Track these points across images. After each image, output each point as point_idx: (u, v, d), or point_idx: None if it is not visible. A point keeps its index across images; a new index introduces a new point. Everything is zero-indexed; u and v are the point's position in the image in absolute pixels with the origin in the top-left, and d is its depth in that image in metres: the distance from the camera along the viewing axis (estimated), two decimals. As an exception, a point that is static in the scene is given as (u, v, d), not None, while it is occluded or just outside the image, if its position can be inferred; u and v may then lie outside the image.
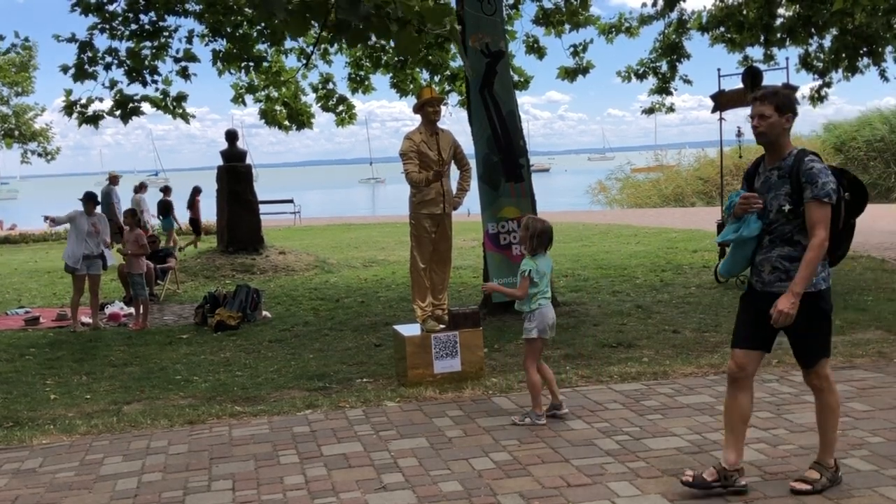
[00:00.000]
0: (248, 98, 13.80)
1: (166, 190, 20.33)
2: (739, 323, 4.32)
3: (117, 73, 10.65)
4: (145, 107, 11.17)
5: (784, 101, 4.05)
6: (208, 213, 20.19)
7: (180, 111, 11.36)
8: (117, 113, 10.68)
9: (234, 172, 16.69)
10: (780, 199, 4.07)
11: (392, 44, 14.12)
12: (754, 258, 4.24)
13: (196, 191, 20.65)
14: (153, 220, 20.11)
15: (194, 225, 20.56)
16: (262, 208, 18.60)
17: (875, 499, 4.15)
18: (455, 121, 36.74)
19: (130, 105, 10.64)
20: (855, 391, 6.03)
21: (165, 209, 19.98)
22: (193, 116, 11.74)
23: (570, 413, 5.70)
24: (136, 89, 10.69)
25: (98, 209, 11.12)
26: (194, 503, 4.56)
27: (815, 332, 4.16)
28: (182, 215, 20.86)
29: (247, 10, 11.28)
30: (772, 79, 13.84)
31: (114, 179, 18.96)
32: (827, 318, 4.18)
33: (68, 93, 10.89)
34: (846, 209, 4.15)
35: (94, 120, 10.82)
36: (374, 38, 13.74)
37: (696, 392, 6.23)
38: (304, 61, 13.63)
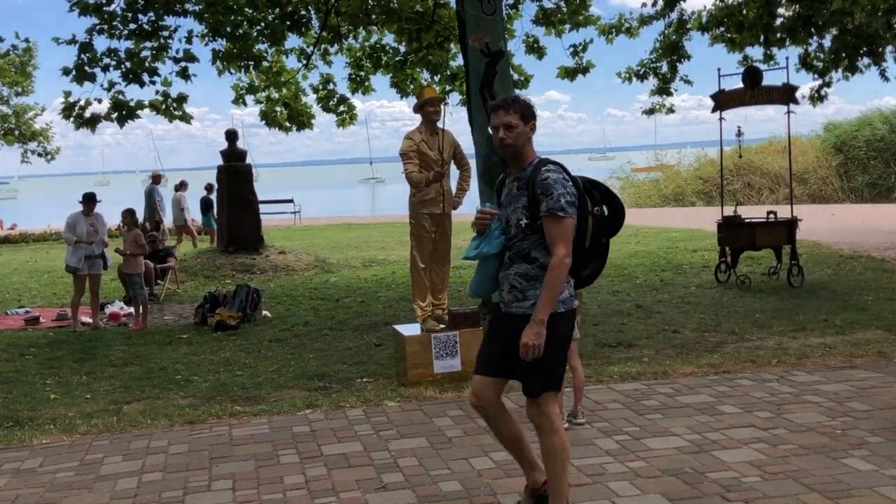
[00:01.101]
0: (249, 98, 13.81)
1: (210, 188, 20.38)
2: (482, 345, 4.03)
3: (115, 75, 10.65)
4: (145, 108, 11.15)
5: (527, 108, 3.80)
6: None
7: (180, 112, 11.35)
8: (114, 116, 10.67)
9: (234, 172, 16.68)
10: (517, 213, 3.76)
11: (392, 43, 14.11)
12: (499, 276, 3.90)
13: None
14: (197, 218, 20.13)
15: None
16: (262, 208, 18.59)
17: (875, 499, 4.15)
18: (455, 120, 36.76)
19: (126, 109, 10.63)
20: (855, 391, 6.04)
21: (206, 207, 20.03)
22: (192, 117, 11.73)
23: (585, 423, 5.57)
24: (133, 91, 10.71)
25: (96, 209, 11.09)
26: (194, 503, 4.56)
27: (542, 359, 3.69)
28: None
29: (247, 9, 11.28)
30: (772, 78, 13.83)
31: (156, 178, 19.04)
32: (559, 345, 3.76)
33: (67, 94, 10.88)
34: (598, 226, 3.87)
35: (92, 122, 10.81)
36: (375, 38, 13.81)
37: (696, 392, 6.23)
38: (305, 62, 13.63)
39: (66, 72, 10.37)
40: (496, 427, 3.98)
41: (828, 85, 15.27)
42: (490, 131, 3.54)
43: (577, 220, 3.72)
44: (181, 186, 19.71)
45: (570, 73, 14.06)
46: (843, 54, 14.16)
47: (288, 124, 14.32)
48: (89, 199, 10.96)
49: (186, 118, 11.45)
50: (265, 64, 12.83)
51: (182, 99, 11.27)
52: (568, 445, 3.86)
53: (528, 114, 3.80)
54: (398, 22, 11.93)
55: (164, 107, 11.23)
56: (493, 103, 3.86)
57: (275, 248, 17.02)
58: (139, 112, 10.78)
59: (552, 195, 3.64)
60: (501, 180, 4.01)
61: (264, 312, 10.95)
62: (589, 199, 3.86)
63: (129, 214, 11.50)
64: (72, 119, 10.80)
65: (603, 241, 3.94)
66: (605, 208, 3.92)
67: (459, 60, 12.81)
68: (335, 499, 4.49)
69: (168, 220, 19.40)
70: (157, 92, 11.06)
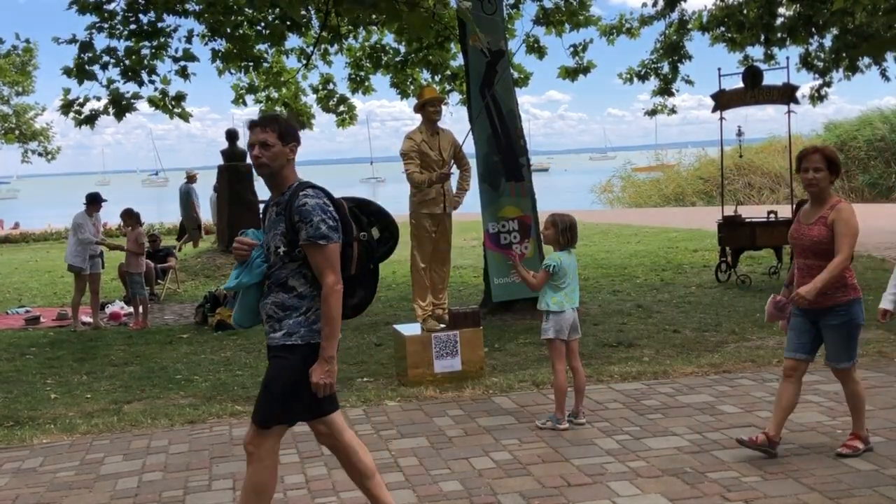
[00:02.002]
0: (249, 98, 13.80)
1: None
2: None
3: (114, 73, 10.65)
4: (144, 105, 11.15)
5: (287, 128, 3.60)
6: (210, 212, 20.16)
7: (179, 110, 11.34)
8: (111, 110, 10.68)
9: (235, 172, 16.68)
10: (276, 240, 3.56)
11: (392, 43, 14.09)
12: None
13: None
14: None
15: None
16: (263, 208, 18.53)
17: (875, 498, 4.15)
18: (455, 120, 36.73)
19: (124, 102, 10.63)
20: (855, 391, 6.03)
21: None
22: (192, 115, 11.72)
23: (586, 423, 5.57)
24: (131, 88, 10.69)
25: (100, 211, 11.07)
26: (195, 502, 4.56)
27: (276, 387, 3.55)
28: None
29: (247, 9, 11.27)
30: (772, 78, 13.80)
31: (192, 178, 19.07)
32: (293, 377, 3.54)
33: (66, 92, 10.89)
34: (366, 252, 3.69)
35: (91, 120, 10.80)
36: (377, 33, 13.80)
37: (696, 391, 6.23)
38: (305, 62, 13.62)
39: (67, 72, 10.38)
40: (255, 470, 3.59)
41: (828, 85, 15.27)
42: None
43: (341, 247, 3.56)
44: None
45: (570, 74, 14.04)
46: (844, 54, 14.15)
47: (288, 124, 14.30)
48: (94, 200, 10.94)
49: (185, 116, 11.45)
50: (265, 65, 12.82)
51: (181, 97, 11.26)
52: (271, 486, 3.60)
53: (287, 134, 3.59)
54: (398, 22, 11.92)
55: (162, 103, 11.23)
56: (250, 120, 3.68)
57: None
58: (137, 106, 10.78)
59: (311, 222, 3.45)
60: (266, 205, 3.77)
61: (265, 312, 10.94)
62: (355, 224, 3.66)
63: (128, 215, 11.45)
64: (70, 116, 10.80)
65: (371, 268, 3.73)
66: (373, 232, 3.72)
67: (459, 60, 12.81)
68: (335, 498, 4.49)
69: (206, 219, 19.50)
70: (155, 89, 11.07)
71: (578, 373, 5.66)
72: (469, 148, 8.29)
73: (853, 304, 4.68)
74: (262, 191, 19.65)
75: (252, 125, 3.64)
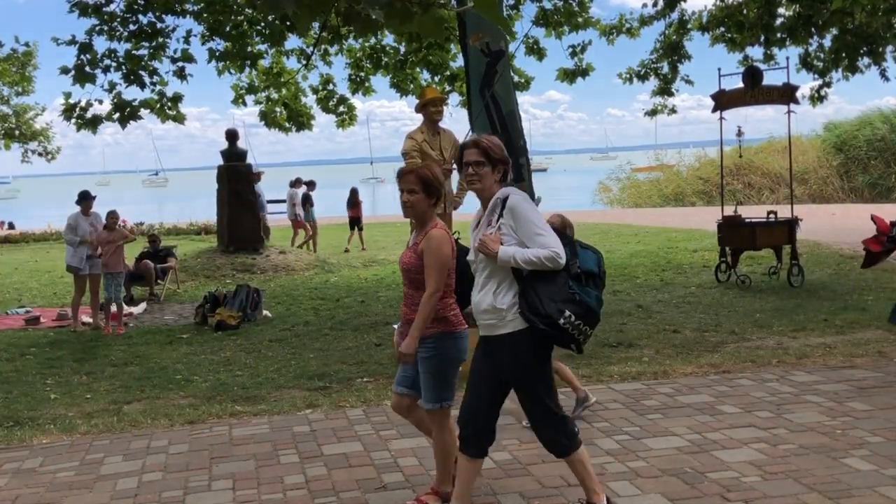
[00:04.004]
0: (249, 98, 13.81)
1: (310, 184, 20.84)
2: None
3: (115, 76, 10.66)
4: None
5: None
6: (210, 212, 20.17)
7: (174, 112, 11.33)
8: (115, 116, 10.67)
9: (235, 172, 16.68)
10: None
11: (389, 44, 14.07)
12: None
13: (355, 192, 21.09)
14: (312, 214, 20.41)
15: (354, 223, 20.61)
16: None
17: (875, 498, 4.15)
18: (455, 121, 36.82)
19: (129, 109, 10.63)
20: (855, 391, 6.04)
21: (305, 202, 20.46)
22: (185, 117, 11.70)
23: (597, 401, 5.70)
24: (133, 92, 10.71)
25: (93, 208, 11.02)
26: (194, 503, 4.56)
27: None
28: (323, 211, 21.01)
29: (247, 9, 11.29)
30: (772, 78, 13.87)
31: (257, 176, 19.10)
32: None
33: (67, 95, 10.88)
34: None
35: (93, 124, 10.79)
36: (378, 34, 13.80)
37: (696, 392, 6.23)
38: (305, 62, 13.64)
39: (65, 71, 10.37)
40: None
41: (828, 85, 15.28)
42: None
43: None
44: (296, 183, 20.30)
45: (569, 76, 14.06)
46: (844, 54, 14.16)
47: (287, 125, 14.32)
48: (85, 198, 10.88)
49: (180, 118, 11.44)
50: (265, 64, 12.84)
51: (178, 98, 11.26)
52: None
53: None
54: (411, 24, 11.93)
55: (158, 105, 11.22)
56: None
57: (275, 248, 17.01)
58: (140, 115, 10.78)
59: None
60: None
61: (264, 312, 10.95)
62: None
63: (109, 217, 11.31)
64: (73, 121, 10.79)
65: None
66: None
67: (459, 61, 12.82)
68: (335, 499, 4.49)
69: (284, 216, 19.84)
70: (152, 91, 11.07)
71: (560, 371, 5.72)
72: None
73: (444, 339, 4.30)
74: (263, 190, 19.54)
75: None
